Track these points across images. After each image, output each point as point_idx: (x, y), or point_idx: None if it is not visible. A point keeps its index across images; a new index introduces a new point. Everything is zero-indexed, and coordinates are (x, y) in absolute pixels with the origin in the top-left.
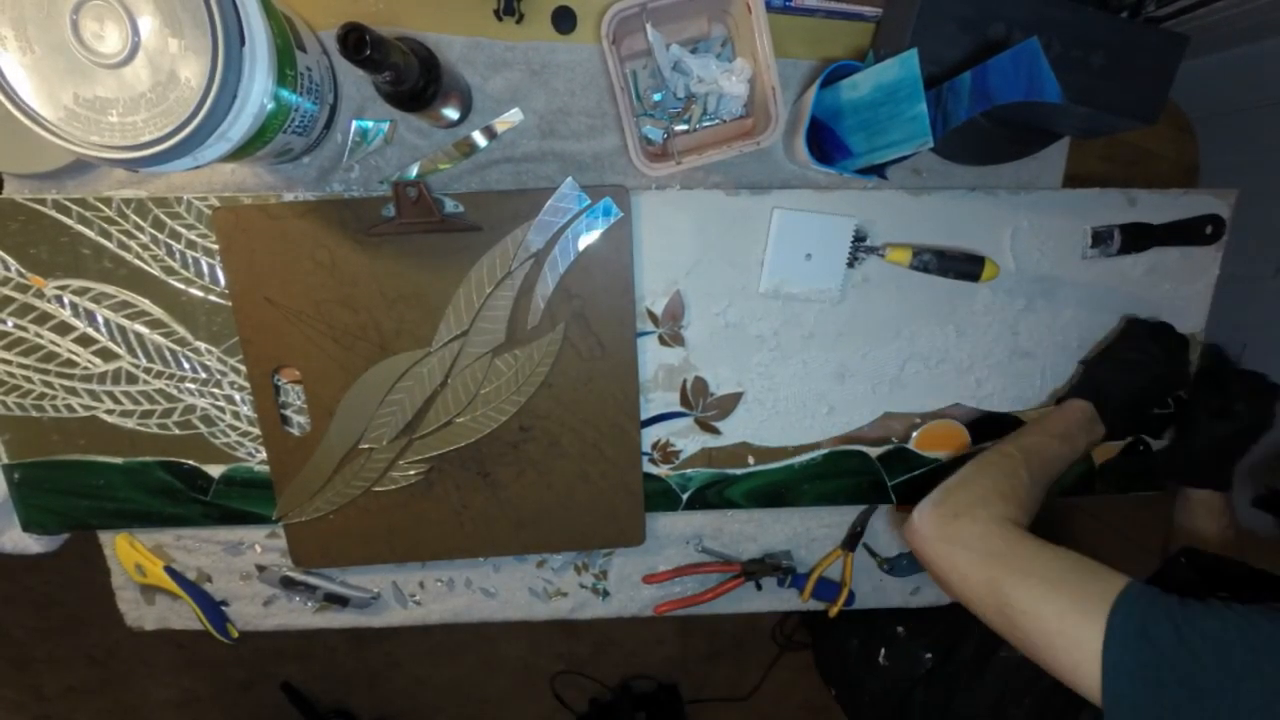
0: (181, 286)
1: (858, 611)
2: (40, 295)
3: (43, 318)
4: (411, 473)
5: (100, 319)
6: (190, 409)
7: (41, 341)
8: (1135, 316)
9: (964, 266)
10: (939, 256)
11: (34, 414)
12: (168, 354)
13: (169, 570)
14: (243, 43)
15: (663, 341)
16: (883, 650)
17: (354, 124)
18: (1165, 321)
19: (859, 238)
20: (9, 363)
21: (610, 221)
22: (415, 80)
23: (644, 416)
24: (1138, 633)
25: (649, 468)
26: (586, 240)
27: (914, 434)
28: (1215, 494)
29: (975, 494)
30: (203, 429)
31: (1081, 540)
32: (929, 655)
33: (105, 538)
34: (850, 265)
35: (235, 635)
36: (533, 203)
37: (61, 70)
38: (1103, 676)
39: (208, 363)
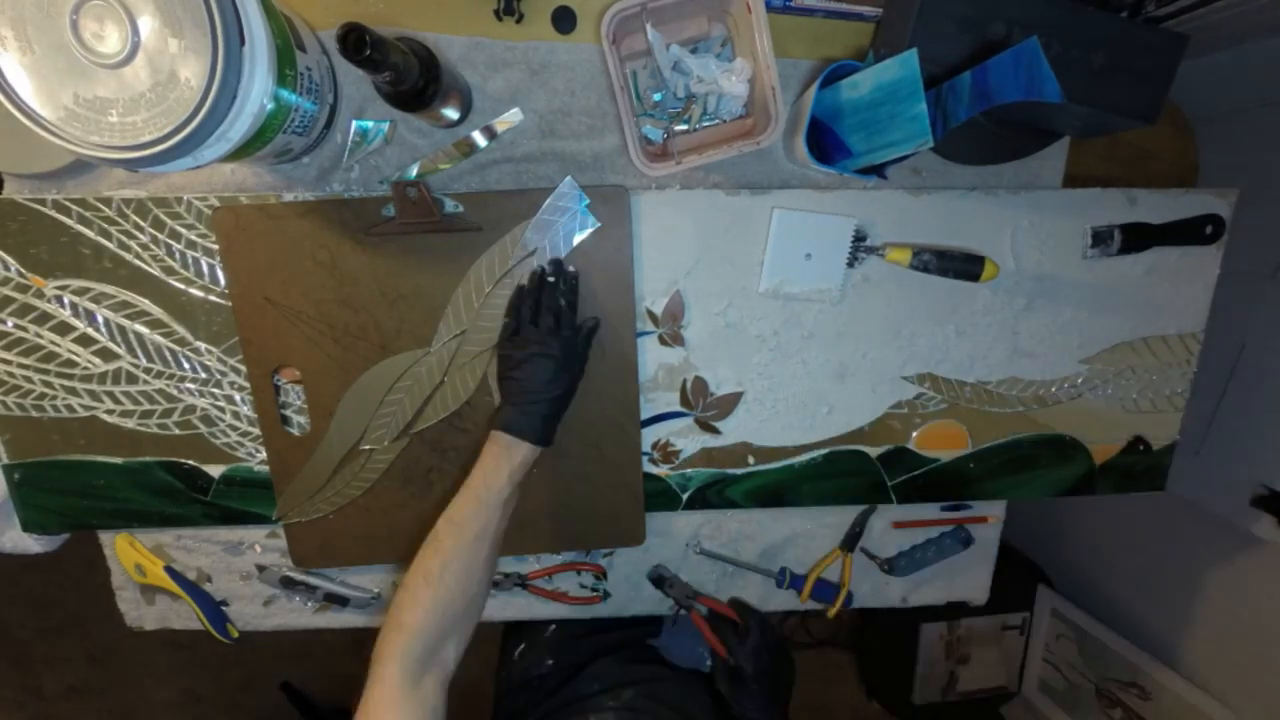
0: (181, 286)
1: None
2: (40, 295)
3: (43, 318)
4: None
5: (100, 319)
6: (190, 409)
7: (41, 341)
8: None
9: (964, 266)
10: (939, 256)
11: (34, 414)
12: (168, 354)
13: (169, 570)
14: (243, 43)
15: (663, 341)
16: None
17: (354, 124)
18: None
19: (859, 238)
20: (9, 363)
21: (589, 230)
22: (415, 80)
23: (644, 416)
24: None
25: (649, 468)
26: (579, 239)
27: (914, 434)
28: None
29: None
30: (203, 429)
31: None
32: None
33: (105, 538)
34: (850, 265)
35: (235, 635)
36: (532, 202)
37: (61, 70)
38: None
39: (208, 363)
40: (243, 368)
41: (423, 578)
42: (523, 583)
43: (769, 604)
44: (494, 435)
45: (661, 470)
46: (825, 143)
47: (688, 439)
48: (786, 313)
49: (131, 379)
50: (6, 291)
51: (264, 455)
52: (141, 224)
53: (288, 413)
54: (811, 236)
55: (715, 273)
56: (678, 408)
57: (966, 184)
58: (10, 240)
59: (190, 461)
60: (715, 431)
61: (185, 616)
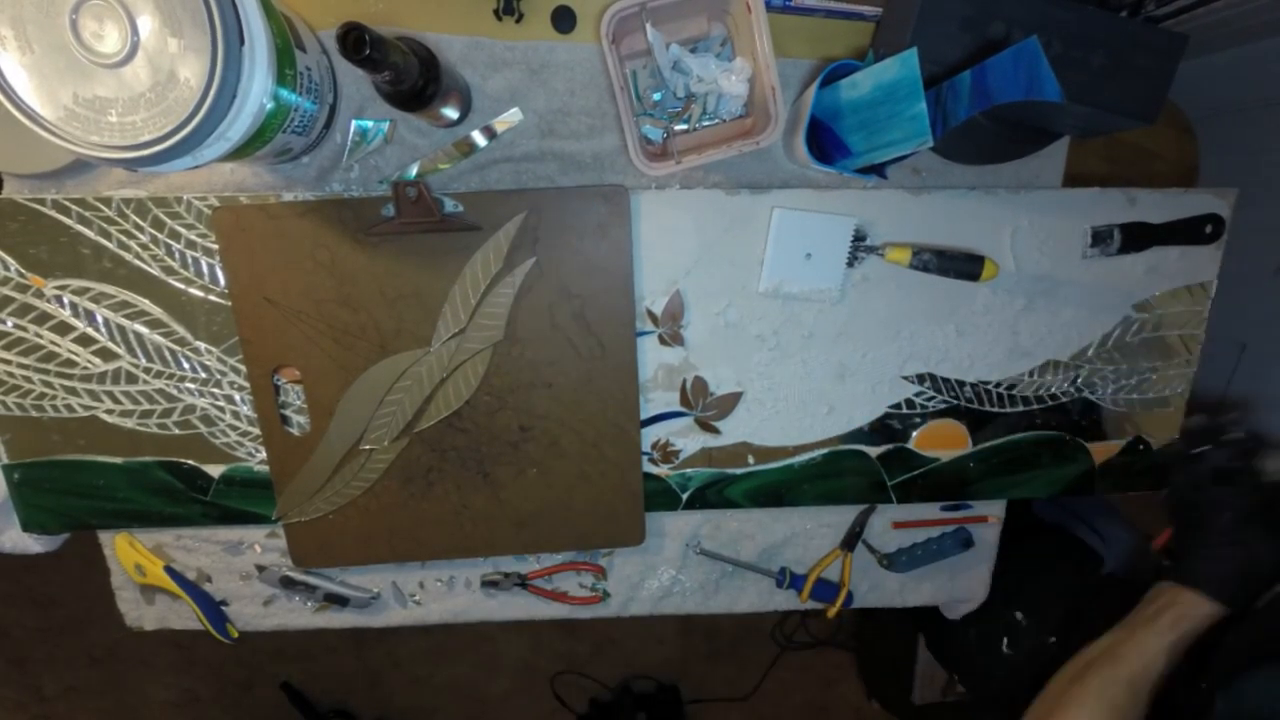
0: (181, 286)
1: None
2: (40, 295)
3: (43, 318)
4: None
5: (100, 319)
6: (190, 409)
7: (41, 341)
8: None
9: (964, 266)
10: (939, 256)
11: (34, 414)
12: (168, 354)
13: (169, 570)
14: (242, 42)
15: (663, 341)
16: (1005, 639)
17: (354, 124)
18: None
19: (859, 237)
20: (9, 363)
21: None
22: (415, 80)
23: (644, 416)
24: None
25: (649, 467)
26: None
27: (914, 434)
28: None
29: None
30: (203, 429)
31: None
32: (1053, 639)
33: (105, 538)
34: (850, 265)
35: (235, 635)
36: (532, 202)
37: (61, 70)
38: None
39: (208, 363)
40: (243, 368)
41: None
42: (523, 583)
43: (769, 604)
44: (1207, 610)
45: (661, 470)
46: (825, 142)
47: (688, 439)
48: (786, 313)
49: (131, 379)
50: (6, 291)
51: (264, 455)
52: (141, 224)
53: (288, 413)
54: (811, 236)
55: (715, 272)
56: (677, 408)
57: (966, 184)
58: (10, 240)
59: (190, 461)
60: (715, 431)
61: (185, 616)
